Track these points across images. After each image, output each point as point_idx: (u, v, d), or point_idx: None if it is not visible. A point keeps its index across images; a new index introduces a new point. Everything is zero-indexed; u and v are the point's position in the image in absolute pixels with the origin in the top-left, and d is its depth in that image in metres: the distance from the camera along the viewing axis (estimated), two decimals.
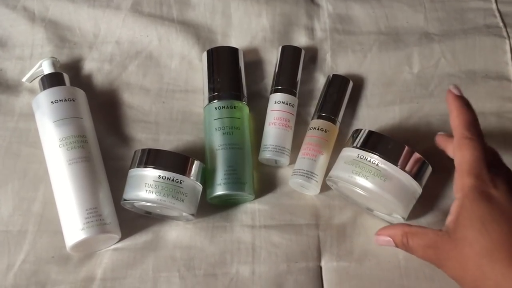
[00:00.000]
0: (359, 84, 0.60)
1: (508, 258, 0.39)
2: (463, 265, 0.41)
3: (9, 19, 0.62)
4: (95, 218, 0.48)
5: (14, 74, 0.59)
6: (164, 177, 0.48)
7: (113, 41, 0.62)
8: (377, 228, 0.49)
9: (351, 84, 0.58)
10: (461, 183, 0.42)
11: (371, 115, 0.59)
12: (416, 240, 0.44)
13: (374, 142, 0.48)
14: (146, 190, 0.47)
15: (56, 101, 0.52)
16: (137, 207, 0.50)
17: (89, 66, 0.60)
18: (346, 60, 0.62)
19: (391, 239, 0.46)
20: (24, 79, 0.58)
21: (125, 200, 0.49)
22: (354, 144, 0.49)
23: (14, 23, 0.62)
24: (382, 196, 0.47)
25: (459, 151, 0.43)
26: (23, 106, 0.57)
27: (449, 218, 0.42)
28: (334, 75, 0.58)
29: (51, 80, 0.54)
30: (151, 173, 0.48)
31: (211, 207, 0.53)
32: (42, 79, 0.55)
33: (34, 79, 0.58)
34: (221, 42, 0.63)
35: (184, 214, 0.49)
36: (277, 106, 0.56)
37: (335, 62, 0.62)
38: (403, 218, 0.49)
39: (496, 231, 0.39)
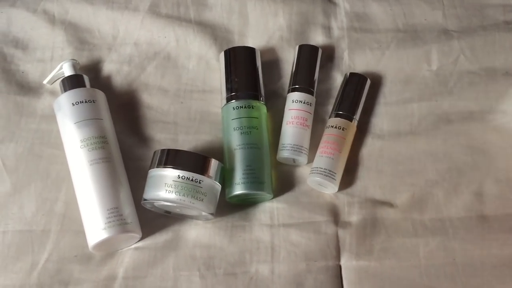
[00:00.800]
0: (377, 81, 0.60)
1: None
2: None
3: (30, 22, 0.63)
4: (116, 218, 0.48)
5: (35, 77, 0.60)
6: (183, 177, 0.48)
7: (131, 43, 0.62)
8: (397, 228, 0.50)
9: (368, 82, 0.58)
10: None
11: (389, 113, 0.58)
12: None
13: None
14: (166, 190, 0.48)
15: (76, 103, 0.53)
16: (157, 207, 0.51)
17: (108, 67, 0.61)
18: (363, 58, 0.62)
19: None
20: (45, 81, 0.59)
21: (145, 200, 0.50)
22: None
23: (35, 26, 0.63)
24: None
25: None
26: (44, 108, 0.58)
27: None
28: (351, 73, 0.58)
29: (71, 82, 0.55)
30: (171, 173, 0.48)
31: (230, 207, 0.53)
32: (62, 81, 0.55)
33: (55, 81, 0.59)
34: (238, 42, 0.63)
35: (203, 213, 0.49)
36: (295, 105, 0.56)
37: (353, 60, 0.62)
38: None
39: None
